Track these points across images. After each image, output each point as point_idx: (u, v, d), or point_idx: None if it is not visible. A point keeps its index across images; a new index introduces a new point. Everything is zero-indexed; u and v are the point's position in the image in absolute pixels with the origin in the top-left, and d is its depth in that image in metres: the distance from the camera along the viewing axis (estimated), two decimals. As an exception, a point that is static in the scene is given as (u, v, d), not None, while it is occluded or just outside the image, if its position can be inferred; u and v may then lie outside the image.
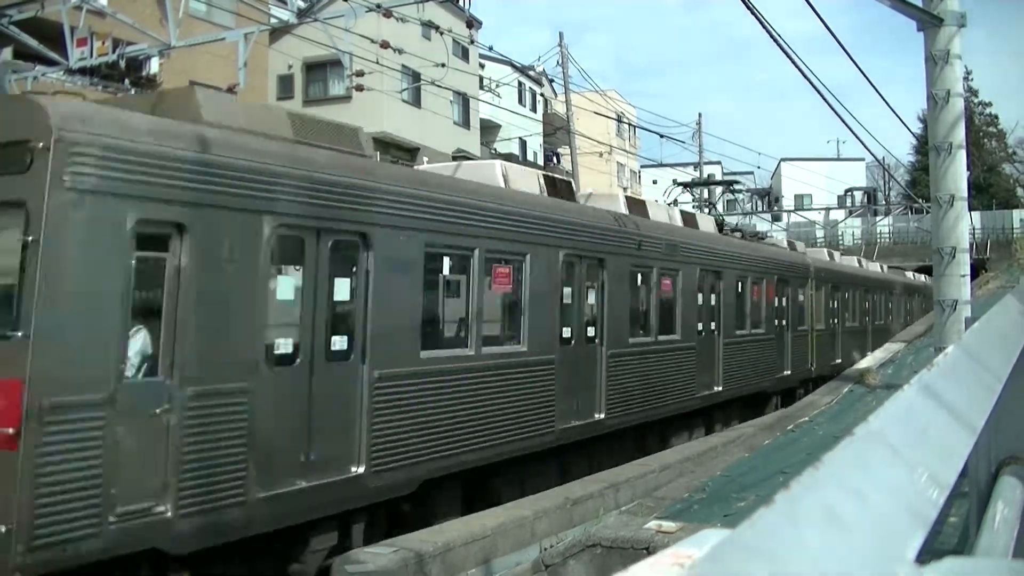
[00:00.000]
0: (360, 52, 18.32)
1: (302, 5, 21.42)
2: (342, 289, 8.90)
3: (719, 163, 69.46)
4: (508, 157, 42.29)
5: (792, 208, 63.48)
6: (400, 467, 9.31)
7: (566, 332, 12.56)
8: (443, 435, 9.95)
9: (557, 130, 45.67)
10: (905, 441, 1.28)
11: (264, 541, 8.05)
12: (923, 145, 39.54)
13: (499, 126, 44.64)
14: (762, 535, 0.87)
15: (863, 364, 20.65)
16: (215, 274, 7.62)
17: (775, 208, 67.20)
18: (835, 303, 26.22)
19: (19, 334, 6.36)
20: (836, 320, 26.18)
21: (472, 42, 25.16)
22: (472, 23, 19.97)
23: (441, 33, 18.72)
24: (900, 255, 47.78)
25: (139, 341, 7.14)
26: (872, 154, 46.99)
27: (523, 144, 48.60)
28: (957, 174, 12.40)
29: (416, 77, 29.23)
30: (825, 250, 30.88)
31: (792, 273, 22.30)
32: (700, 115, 47.99)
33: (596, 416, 13.09)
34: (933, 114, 12.50)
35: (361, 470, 8.81)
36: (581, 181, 38.92)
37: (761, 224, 50.06)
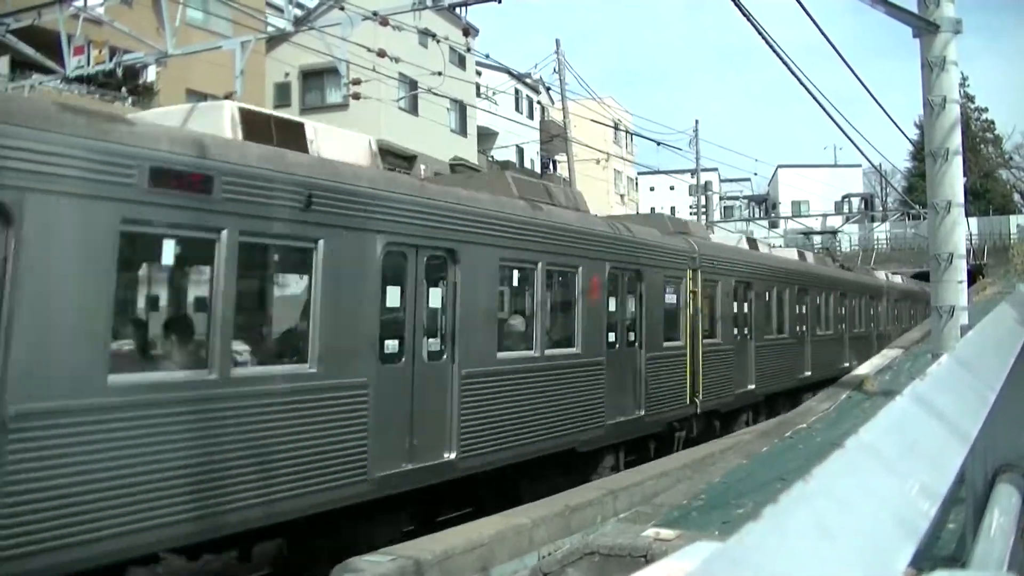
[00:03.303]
0: (357, 60, 18.35)
1: (298, 13, 21.47)
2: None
3: (716, 170, 69.60)
4: (505, 164, 42.39)
5: (789, 214, 63.56)
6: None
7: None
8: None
9: (554, 137, 45.72)
10: (896, 452, 1.28)
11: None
12: (920, 151, 39.61)
13: (496, 133, 44.72)
14: (751, 549, 0.87)
15: (862, 371, 20.62)
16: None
17: (772, 215, 67.28)
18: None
19: None
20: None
21: (469, 50, 25.16)
22: (469, 31, 19.95)
23: (438, 41, 18.74)
24: (897, 261, 47.80)
25: None
26: (869, 160, 46.90)
27: (520, 151, 48.67)
28: (954, 180, 12.42)
29: (413, 85, 29.26)
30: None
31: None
32: (697, 122, 47.91)
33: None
34: (930, 120, 12.51)
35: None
36: (579, 188, 38.92)
37: (758, 231, 50.06)
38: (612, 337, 13.95)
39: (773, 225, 57.53)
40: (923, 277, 34.08)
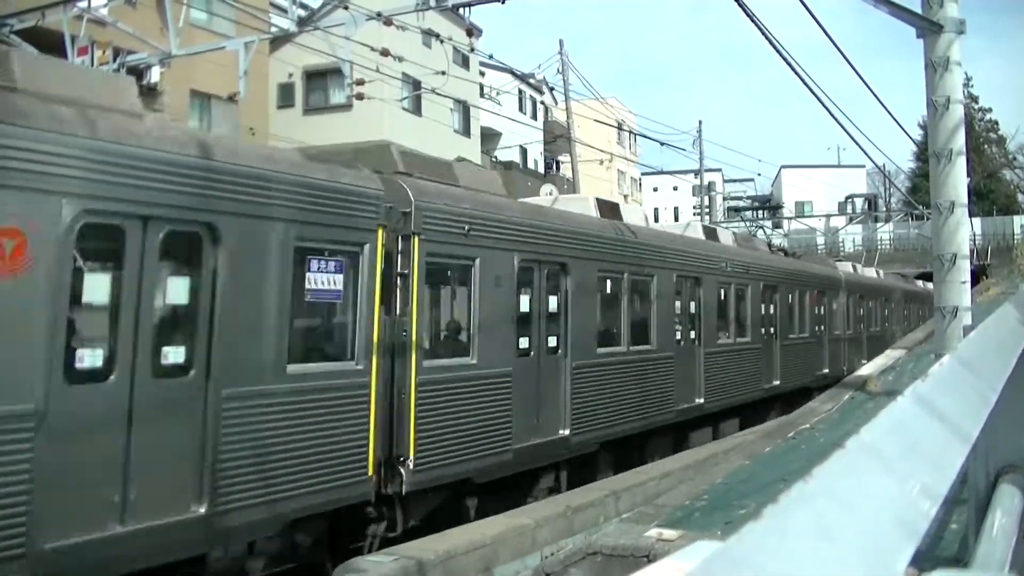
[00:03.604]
0: (360, 60, 18.35)
1: (302, 14, 21.46)
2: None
3: (720, 170, 69.60)
4: (509, 165, 42.39)
5: (793, 215, 63.55)
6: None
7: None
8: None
9: (557, 138, 45.76)
10: (897, 453, 1.29)
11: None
12: (923, 151, 39.51)
13: (500, 134, 44.70)
14: (751, 549, 0.88)
15: (864, 371, 20.49)
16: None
17: (776, 215, 67.28)
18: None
19: None
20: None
21: (472, 50, 25.18)
22: (472, 31, 19.96)
23: (441, 41, 18.74)
24: (901, 261, 47.76)
25: None
26: (872, 161, 47.00)
27: (524, 152, 48.66)
28: (957, 180, 12.40)
29: (416, 85, 29.25)
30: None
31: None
32: (700, 122, 48.08)
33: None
34: (933, 121, 12.51)
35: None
36: (582, 189, 38.95)
37: (761, 231, 50.06)
38: (91, 359, 6.98)
39: (776, 225, 57.48)
40: (927, 278, 33.80)
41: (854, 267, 30.41)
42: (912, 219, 53.19)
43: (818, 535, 0.97)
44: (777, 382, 20.40)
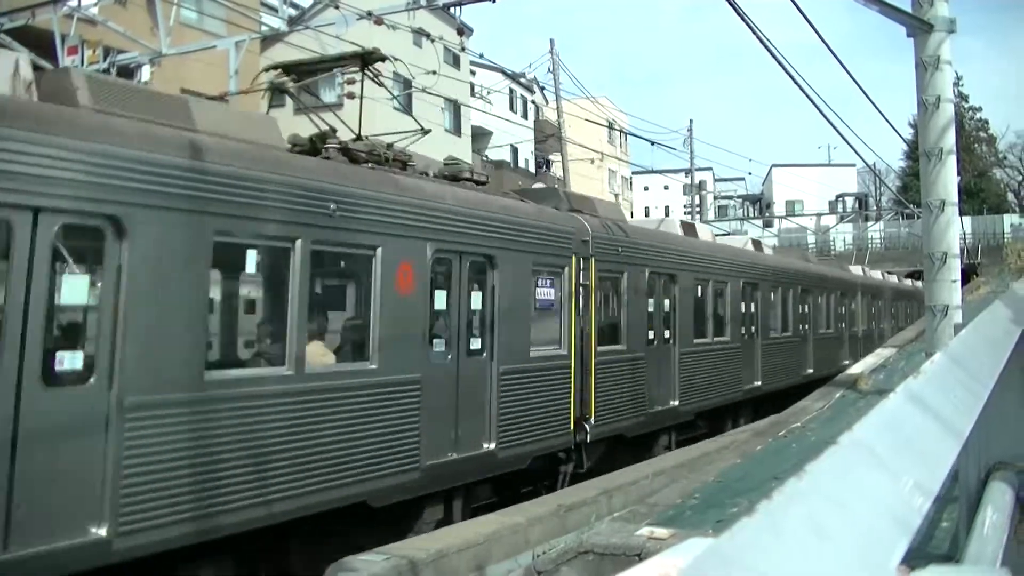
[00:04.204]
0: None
1: (293, 13, 21.44)
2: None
3: (711, 169, 69.73)
4: (500, 164, 42.40)
5: (784, 214, 63.67)
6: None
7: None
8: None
9: (548, 137, 45.79)
10: (890, 449, 1.28)
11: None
12: (914, 150, 39.59)
13: (491, 133, 44.70)
14: (743, 546, 0.87)
15: (855, 369, 20.42)
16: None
17: (766, 214, 67.40)
18: None
19: None
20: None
21: (463, 49, 25.16)
22: (463, 31, 19.95)
23: (432, 41, 18.74)
24: (892, 260, 47.90)
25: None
26: (863, 160, 47.17)
27: (514, 151, 48.65)
28: (948, 179, 12.43)
29: (407, 84, 29.23)
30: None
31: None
32: (691, 121, 48.19)
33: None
34: (924, 120, 12.54)
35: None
36: (573, 187, 38.94)
37: (752, 230, 50.14)
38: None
39: (767, 224, 57.56)
40: (917, 276, 33.48)
41: (682, 228, 18.48)
42: (903, 218, 53.38)
43: (811, 532, 0.97)
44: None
